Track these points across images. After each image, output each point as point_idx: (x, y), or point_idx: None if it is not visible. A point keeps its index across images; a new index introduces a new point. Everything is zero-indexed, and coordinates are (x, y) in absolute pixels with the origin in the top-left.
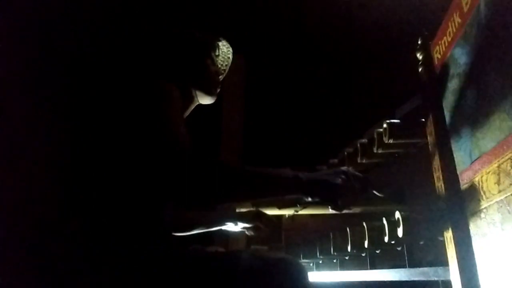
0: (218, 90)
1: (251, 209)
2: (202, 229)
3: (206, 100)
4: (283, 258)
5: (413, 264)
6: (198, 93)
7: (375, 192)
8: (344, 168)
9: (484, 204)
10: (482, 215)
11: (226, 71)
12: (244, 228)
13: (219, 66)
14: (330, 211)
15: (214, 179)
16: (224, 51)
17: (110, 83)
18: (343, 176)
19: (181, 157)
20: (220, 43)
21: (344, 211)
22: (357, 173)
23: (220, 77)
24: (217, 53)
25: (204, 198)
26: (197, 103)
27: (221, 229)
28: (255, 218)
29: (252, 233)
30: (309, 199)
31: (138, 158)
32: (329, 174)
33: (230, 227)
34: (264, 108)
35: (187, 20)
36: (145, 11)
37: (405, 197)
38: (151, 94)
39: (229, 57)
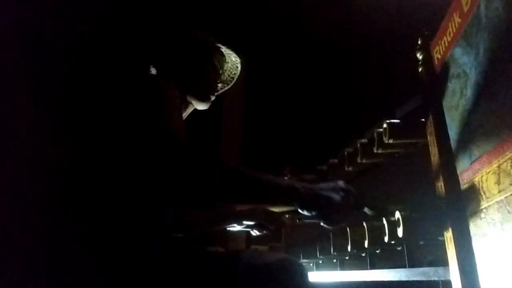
0: (213, 97)
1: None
2: (206, 230)
3: (198, 105)
4: (283, 258)
5: (413, 264)
6: (190, 97)
7: (366, 210)
8: (341, 183)
9: (484, 204)
10: (482, 215)
11: (233, 80)
12: (248, 226)
13: (226, 76)
14: (322, 225)
15: (214, 179)
16: (232, 60)
17: (110, 82)
18: (341, 193)
19: (181, 157)
20: (224, 50)
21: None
22: (352, 189)
23: (220, 84)
24: (226, 60)
25: (204, 197)
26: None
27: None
28: (259, 215)
29: (257, 232)
30: (305, 212)
31: (138, 157)
32: (328, 189)
33: (234, 226)
34: (264, 108)
35: (187, 20)
36: (145, 11)
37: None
38: (150, 93)
39: (237, 66)
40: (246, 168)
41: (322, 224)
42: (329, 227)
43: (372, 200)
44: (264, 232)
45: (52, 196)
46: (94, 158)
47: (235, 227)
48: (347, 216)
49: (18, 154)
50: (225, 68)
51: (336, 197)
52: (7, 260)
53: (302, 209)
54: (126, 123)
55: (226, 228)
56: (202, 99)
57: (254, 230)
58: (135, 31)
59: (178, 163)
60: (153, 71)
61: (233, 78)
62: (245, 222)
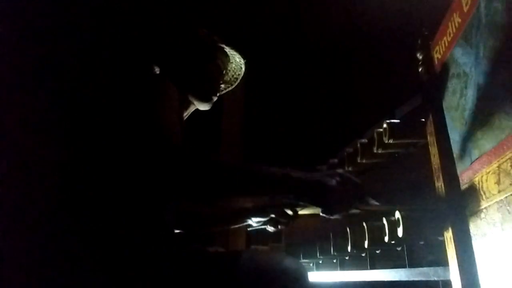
0: (215, 98)
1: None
2: (216, 227)
3: (200, 106)
4: (283, 259)
5: (413, 264)
6: (192, 97)
7: (371, 200)
8: (340, 170)
9: (484, 204)
10: (482, 215)
11: (237, 81)
12: (259, 223)
13: (230, 77)
14: (321, 215)
15: (208, 176)
16: (236, 60)
17: (110, 81)
18: (337, 178)
19: (177, 156)
20: (228, 50)
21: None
22: (353, 178)
23: (223, 85)
24: (230, 60)
25: (198, 195)
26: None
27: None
28: (270, 211)
29: (272, 228)
30: (299, 201)
31: (136, 156)
32: (323, 175)
33: (244, 223)
34: (264, 108)
35: (189, 20)
36: (148, 10)
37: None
38: (148, 92)
39: (241, 67)
40: (239, 162)
41: (321, 213)
42: (329, 216)
43: (374, 189)
44: (279, 227)
45: (52, 196)
46: (94, 158)
47: (253, 226)
48: (348, 205)
49: (17, 155)
50: (228, 68)
51: (331, 182)
52: (8, 261)
53: (297, 198)
54: (123, 122)
55: (244, 224)
56: (203, 99)
57: (269, 226)
58: (138, 30)
59: (172, 162)
60: (157, 70)
61: (236, 79)
62: (254, 219)
